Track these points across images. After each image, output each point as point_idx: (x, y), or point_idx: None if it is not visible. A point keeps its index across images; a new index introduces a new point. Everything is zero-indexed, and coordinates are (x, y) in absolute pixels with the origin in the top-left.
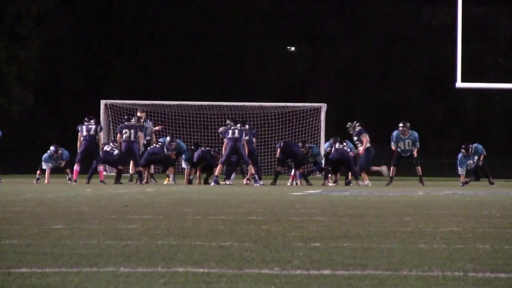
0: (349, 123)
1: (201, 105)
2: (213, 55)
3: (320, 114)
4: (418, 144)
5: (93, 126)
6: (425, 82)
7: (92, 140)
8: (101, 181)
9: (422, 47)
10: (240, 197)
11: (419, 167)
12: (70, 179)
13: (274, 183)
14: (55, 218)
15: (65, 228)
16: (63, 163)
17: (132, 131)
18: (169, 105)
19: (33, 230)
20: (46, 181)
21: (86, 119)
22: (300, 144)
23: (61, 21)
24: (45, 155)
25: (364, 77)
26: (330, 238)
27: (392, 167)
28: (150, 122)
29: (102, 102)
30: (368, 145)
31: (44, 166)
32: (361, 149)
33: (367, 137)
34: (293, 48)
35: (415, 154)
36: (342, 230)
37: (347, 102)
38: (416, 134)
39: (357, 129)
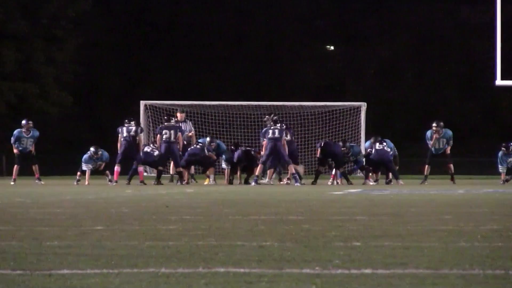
0: None
1: (240, 105)
2: (251, 55)
3: (359, 113)
4: (451, 142)
5: (133, 127)
6: (462, 80)
7: (132, 141)
8: (141, 182)
9: (459, 46)
10: (280, 197)
11: (451, 165)
12: (110, 181)
13: (314, 182)
14: (95, 219)
15: (105, 229)
16: (102, 165)
17: (172, 131)
18: (209, 105)
19: (73, 231)
20: (86, 183)
21: (126, 120)
22: (340, 143)
23: (98, 22)
24: (85, 156)
25: (401, 76)
26: (371, 237)
27: (426, 166)
28: (190, 123)
29: (142, 103)
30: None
31: (84, 167)
32: None
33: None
34: (332, 47)
35: (447, 151)
36: (382, 229)
37: (384, 101)
38: (450, 132)
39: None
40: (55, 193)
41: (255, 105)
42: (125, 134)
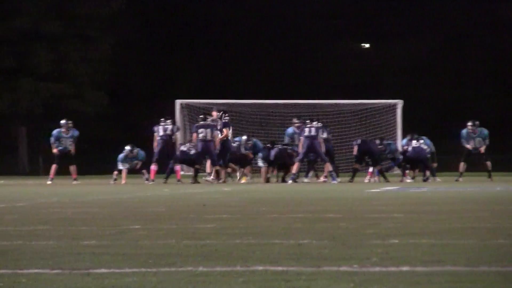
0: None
1: (276, 103)
2: (287, 53)
3: (395, 111)
4: (487, 141)
5: (170, 126)
6: (498, 77)
7: (168, 140)
8: (178, 181)
9: (495, 42)
10: (317, 195)
11: (489, 162)
12: (147, 179)
13: (351, 180)
14: (132, 219)
15: (143, 228)
16: (139, 164)
17: (208, 130)
18: (244, 104)
19: (110, 230)
20: (122, 182)
21: (162, 119)
22: (377, 141)
23: (131, 22)
24: (120, 156)
25: (437, 73)
26: (408, 234)
27: (462, 163)
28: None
29: (178, 102)
30: None
31: (120, 166)
32: None
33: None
34: (367, 45)
35: (481, 150)
36: (420, 226)
37: (419, 99)
38: (486, 131)
39: None
40: (92, 193)
41: (291, 103)
42: (161, 133)
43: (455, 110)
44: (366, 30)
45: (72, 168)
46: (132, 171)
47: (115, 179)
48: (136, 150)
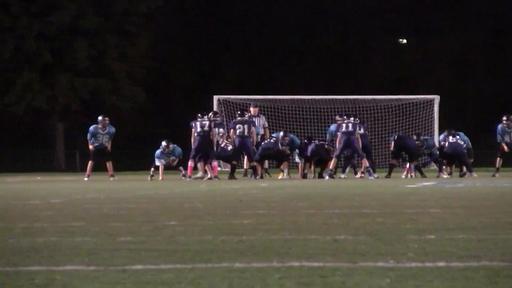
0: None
1: (313, 99)
2: (323, 49)
3: (432, 106)
4: None
5: (207, 122)
6: None
7: (206, 136)
8: (215, 177)
9: None
10: (354, 191)
11: None
12: (184, 175)
13: (388, 176)
14: (168, 215)
15: (179, 225)
16: (176, 161)
17: (245, 126)
18: (281, 100)
19: (146, 227)
20: (160, 178)
21: (199, 115)
22: (414, 136)
23: (170, 17)
24: (157, 152)
25: (474, 69)
26: (444, 230)
27: (498, 158)
28: (263, 117)
29: (215, 98)
30: None
31: (157, 162)
32: None
33: None
34: (405, 41)
35: None
36: (456, 221)
37: (456, 94)
38: None
39: None
40: (129, 189)
41: (328, 99)
42: (198, 129)
43: (492, 105)
44: (404, 25)
45: (109, 165)
46: (169, 168)
47: (152, 176)
48: (172, 145)
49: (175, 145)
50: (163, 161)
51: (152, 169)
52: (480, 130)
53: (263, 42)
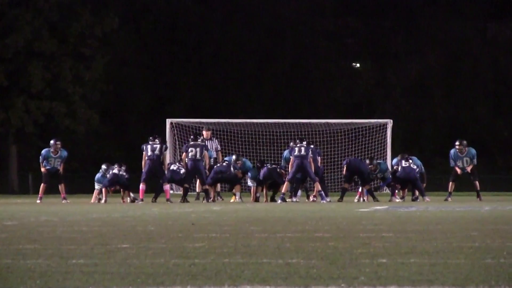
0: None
1: (267, 123)
2: (279, 73)
3: (386, 130)
4: (475, 160)
5: (158, 146)
6: (491, 97)
7: (157, 160)
8: (168, 200)
9: (488, 63)
10: (307, 214)
11: (477, 182)
12: (135, 199)
13: (341, 200)
14: (121, 238)
15: (132, 247)
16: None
17: (197, 149)
18: (235, 123)
19: (99, 249)
20: (103, 201)
21: (150, 138)
22: (367, 160)
23: (126, 41)
24: (97, 175)
25: (430, 94)
26: (397, 254)
27: (450, 183)
28: (216, 141)
29: (168, 121)
30: None
31: (97, 186)
32: None
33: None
34: (358, 65)
35: (468, 170)
36: (409, 246)
37: (413, 118)
38: (473, 151)
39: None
40: (82, 212)
41: (282, 123)
42: (149, 152)
43: (448, 130)
44: (361, 50)
45: (61, 187)
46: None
47: (100, 198)
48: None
49: (112, 167)
50: (102, 184)
51: (96, 192)
52: (436, 154)
53: (219, 66)
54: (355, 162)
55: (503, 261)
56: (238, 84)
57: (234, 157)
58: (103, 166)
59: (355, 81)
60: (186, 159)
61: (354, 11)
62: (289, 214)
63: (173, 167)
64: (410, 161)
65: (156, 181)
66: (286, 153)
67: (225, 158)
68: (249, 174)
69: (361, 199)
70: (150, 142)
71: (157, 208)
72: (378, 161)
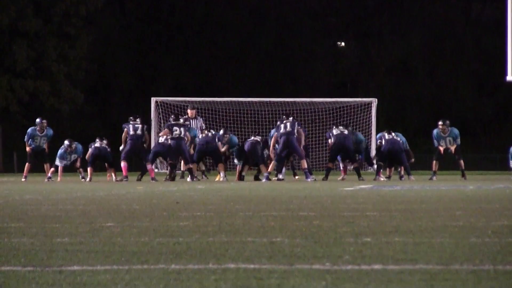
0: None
1: (251, 101)
2: (263, 52)
3: (371, 109)
4: (458, 140)
5: (140, 126)
6: (475, 77)
7: (139, 139)
8: (153, 179)
9: (471, 43)
10: (291, 193)
11: (461, 161)
12: (83, 178)
13: (325, 179)
14: (106, 216)
15: (116, 226)
16: (78, 161)
17: (182, 129)
18: (220, 102)
19: (84, 228)
20: (58, 179)
21: (131, 118)
22: (340, 127)
23: (110, 20)
24: (60, 151)
25: (413, 73)
26: (381, 233)
27: (434, 161)
28: (201, 119)
29: (153, 100)
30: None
31: (57, 162)
32: None
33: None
34: (343, 44)
35: (452, 150)
36: (393, 224)
37: (396, 98)
38: (456, 131)
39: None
40: (66, 190)
41: (267, 102)
42: (131, 132)
43: (432, 110)
44: (345, 29)
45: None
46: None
47: (50, 177)
48: (74, 144)
49: (77, 143)
50: (64, 161)
51: (52, 170)
52: (420, 134)
53: (203, 45)
54: (340, 140)
55: (487, 240)
56: (222, 63)
57: (221, 131)
58: (66, 142)
59: (339, 60)
60: (169, 138)
61: None
62: (273, 193)
63: (161, 139)
64: (393, 134)
65: (136, 160)
66: (272, 132)
67: (213, 132)
68: (234, 152)
69: (345, 177)
70: (131, 122)
71: (141, 187)
72: (356, 132)
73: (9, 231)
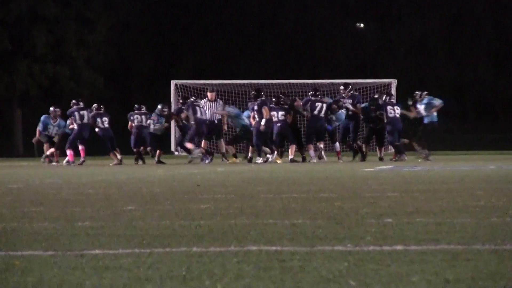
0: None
1: (271, 83)
2: (282, 34)
3: (390, 90)
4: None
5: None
6: (493, 57)
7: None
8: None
9: (490, 22)
10: (312, 175)
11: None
12: (50, 160)
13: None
14: (127, 200)
15: (137, 209)
16: (56, 137)
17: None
18: (239, 84)
19: (105, 211)
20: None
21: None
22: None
23: (129, 4)
24: (44, 118)
25: (433, 54)
26: (403, 213)
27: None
28: (221, 102)
29: (173, 83)
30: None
31: (39, 127)
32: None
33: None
34: (362, 25)
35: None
36: (414, 205)
37: (416, 79)
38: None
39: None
40: (87, 174)
41: (287, 83)
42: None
43: (451, 91)
44: (364, 10)
45: (53, 151)
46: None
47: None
48: (58, 119)
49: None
50: (45, 133)
51: (52, 150)
52: (439, 114)
53: (222, 28)
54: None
55: (508, 219)
56: (241, 46)
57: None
58: (51, 108)
59: (359, 41)
60: (192, 120)
61: None
62: (294, 175)
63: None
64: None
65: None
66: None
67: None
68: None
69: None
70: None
71: (162, 170)
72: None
73: (31, 215)
